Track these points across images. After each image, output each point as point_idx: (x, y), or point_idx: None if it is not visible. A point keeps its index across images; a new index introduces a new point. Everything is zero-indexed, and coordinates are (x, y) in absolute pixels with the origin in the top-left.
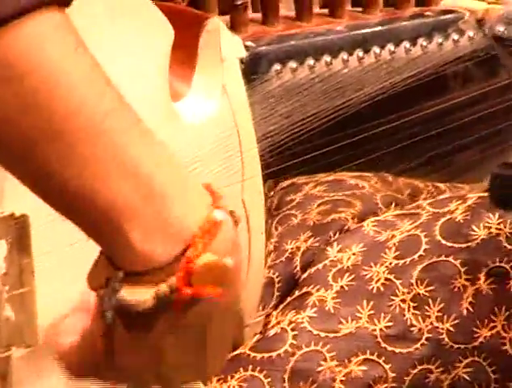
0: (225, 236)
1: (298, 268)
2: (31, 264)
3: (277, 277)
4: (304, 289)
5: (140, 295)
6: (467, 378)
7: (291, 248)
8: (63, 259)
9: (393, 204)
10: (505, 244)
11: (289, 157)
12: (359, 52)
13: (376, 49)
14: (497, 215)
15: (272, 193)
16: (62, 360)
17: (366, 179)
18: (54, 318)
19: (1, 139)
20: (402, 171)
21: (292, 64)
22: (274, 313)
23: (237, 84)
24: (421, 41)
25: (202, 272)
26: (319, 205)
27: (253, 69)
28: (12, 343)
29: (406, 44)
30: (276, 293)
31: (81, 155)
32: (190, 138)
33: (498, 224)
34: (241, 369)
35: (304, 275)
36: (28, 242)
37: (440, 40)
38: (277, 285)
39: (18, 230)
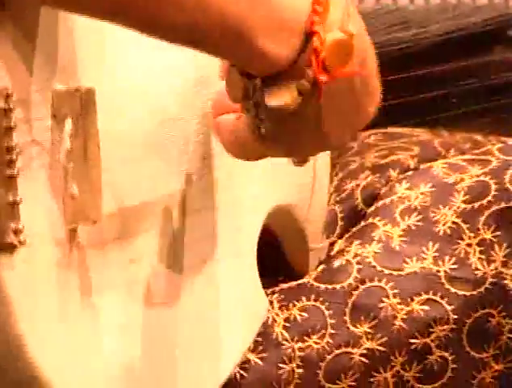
0: (337, 6)
1: (359, 201)
2: (97, 139)
3: (338, 208)
4: (370, 220)
5: (284, 98)
6: None
7: (352, 186)
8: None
9: (452, 150)
10: None
11: None
12: None
13: None
14: None
15: None
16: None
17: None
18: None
19: None
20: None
21: None
22: (339, 241)
23: None
24: None
25: (332, 53)
26: (376, 151)
27: None
28: (77, 219)
29: None
30: (340, 223)
31: None
32: None
33: None
34: (304, 298)
35: (371, 208)
36: (94, 117)
37: None
38: (340, 215)
39: (84, 105)
